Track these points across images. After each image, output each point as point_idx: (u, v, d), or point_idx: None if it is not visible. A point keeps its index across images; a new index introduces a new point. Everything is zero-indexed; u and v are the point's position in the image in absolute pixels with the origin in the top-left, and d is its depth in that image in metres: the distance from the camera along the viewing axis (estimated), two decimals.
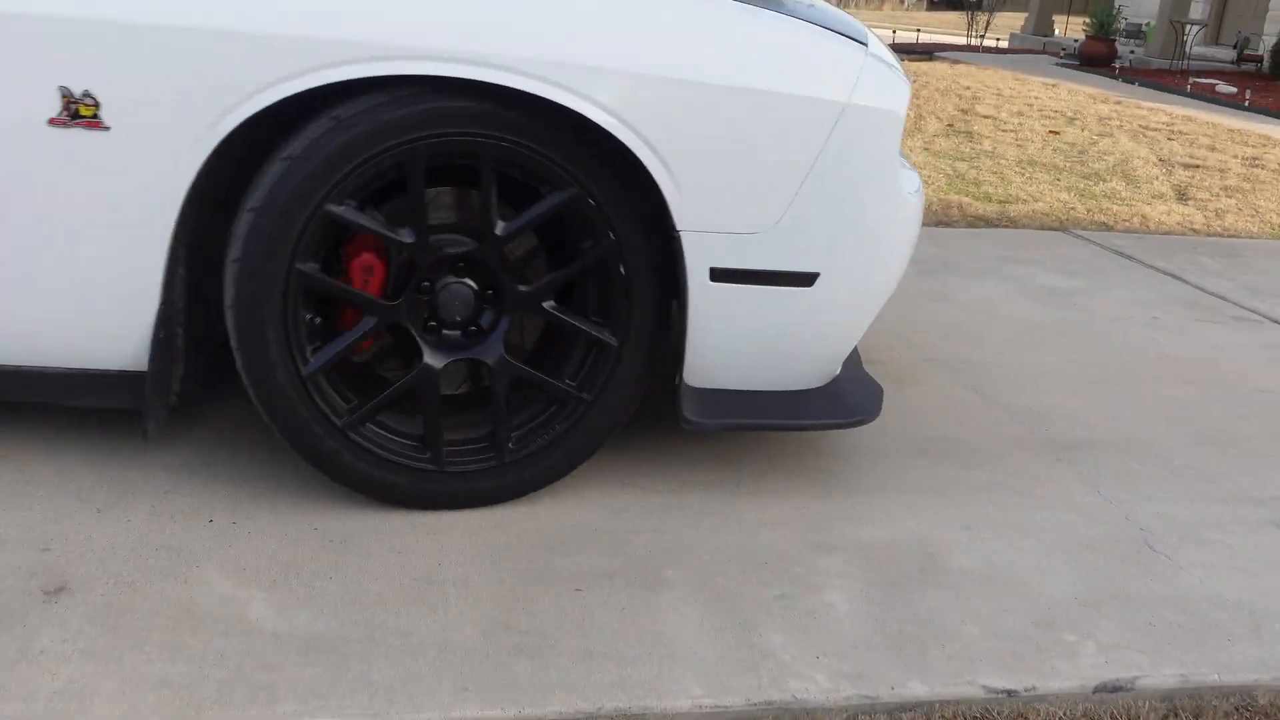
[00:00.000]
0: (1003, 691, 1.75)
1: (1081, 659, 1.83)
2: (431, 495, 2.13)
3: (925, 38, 19.20)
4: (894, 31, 19.07)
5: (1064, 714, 1.71)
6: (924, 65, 13.21)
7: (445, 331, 2.11)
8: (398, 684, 1.65)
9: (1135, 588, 2.06)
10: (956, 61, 13.60)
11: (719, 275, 2.09)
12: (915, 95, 9.59)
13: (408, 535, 2.05)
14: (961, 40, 18.43)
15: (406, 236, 2.03)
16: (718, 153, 2.02)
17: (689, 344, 2.13)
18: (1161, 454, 2.65)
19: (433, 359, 2.09)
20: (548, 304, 2.12)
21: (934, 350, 3.25)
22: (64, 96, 1.88)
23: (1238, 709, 1.76)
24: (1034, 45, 17.68)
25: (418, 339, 2.10)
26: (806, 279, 2.14)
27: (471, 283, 2.10)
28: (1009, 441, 2.65)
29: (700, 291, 2.08)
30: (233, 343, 2.01)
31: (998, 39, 18.30)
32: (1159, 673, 1.81)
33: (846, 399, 2.31)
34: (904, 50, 14.99)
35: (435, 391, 2.09)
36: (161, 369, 2.04)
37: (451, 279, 2.09)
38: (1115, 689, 1.78)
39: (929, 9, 46.05)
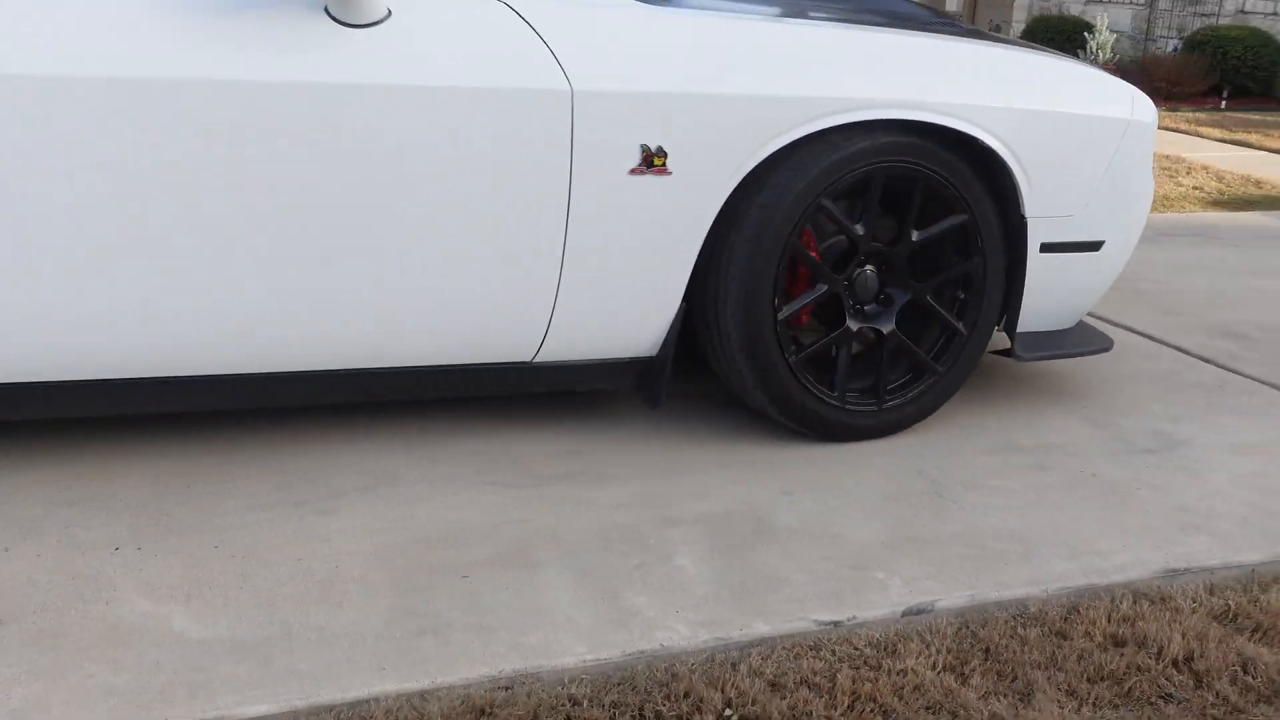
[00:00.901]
0: (830, 623, 2.11)
1: (890, 591, 2.22)
2: (837, 428, 2.86)
3: None
4: None
5: (879, 636, 2.08)
6: None
7: (858, 306, 2.86)
8: (321, 671, 1.90)
9: (929, 530, 2.46)
10: None
11: (1045, 248, 2.97)
12: None
13: (305, 545, 2.29)
14: None
15: (859, 230, 2.77)
16: (1055, 160, 2.90)
17: (1024, 301, 2.99)
18: (942, 413, 3.08)
19: (850, 323, 2.83)
20: (928, 296, 2.89)
21: None
22: (643, 151, 2.53)
23: (1015, 617, 2.16)
24: None
25: (845, 306, 2.83)
26: (1096, 246, 3.08)
27: (876, 271, 2.85)
28: None
29: (1033, 261, 2.96)
30: (732, 306, 2.68)
31: None
32: (951, 595, 2.21)
33: (1093, 332, 3.30)
34: None
35: (848, 347, 2.85)
36: (667, 354, 2.74)
37: (868, 268, 2.84)
38: (919, 611, 2.16)
39: None
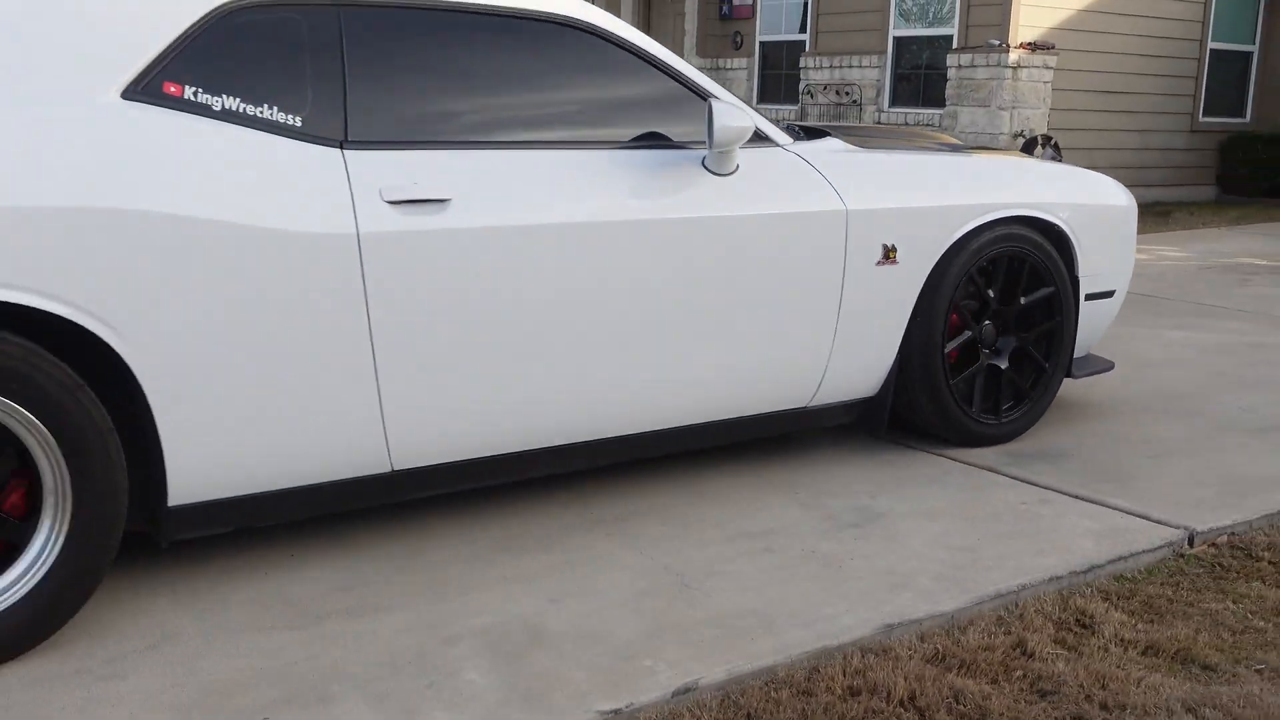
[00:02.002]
0: (610, 712, 2.36)
1: (658, 676, 2.49)
2: (975, 436, 4.02)
3: None
4: None
5: (655, 716, 2.34)
6: None
7: (986, 349, 4.03)
8: None
9: (682, 616, 2.76)
10: None
11: (1087, 298, 4.26)
12: None
13: (97, 710, 2.33)
14: None
15: (991, 294, 3.98)
16: (1094, 236, 4.20)
17: (1077, 338, 4.30)
18: (677, 513, 3.41)
19: (984, 360, 4.01)
20: (1028, 344, 4.10)
21: None
22: (884, 248, 3.69)
23: (766, 684, 2.48)
24: None
25: (980, 348, 4.01)
26: (1110, 294, 4.39)
27: (993, 325, 4.04)
28: (566, 527, 3.30)
29: (1081, 309, 4.24)
30: (916, 348, 3.84)
31: None
32: (711, 673, 2.51)
33: (1100, 359, 4.60)
34: None
35: (983, 376, 4.05)
36: (887, 393, 3.87)
37: (988, 322, 4.02)
38: (685, 690, 2.44)
39: None
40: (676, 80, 3.45)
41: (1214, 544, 3.32)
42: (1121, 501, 3.56)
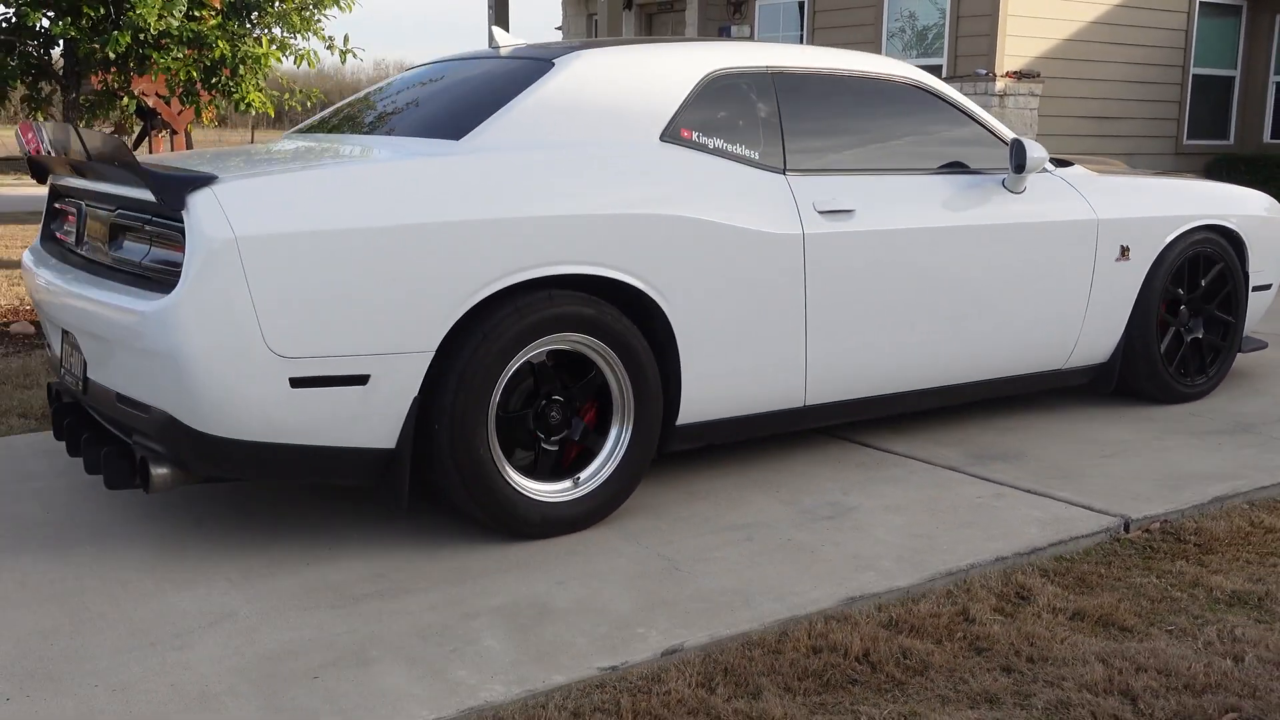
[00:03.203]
0: (609, 668, 2.78)
1: (650, 640, 2.91)
2: (1178, 395, 5.27)
3: None
4: None
5: (647, 671, 2.76)
6: None
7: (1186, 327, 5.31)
8: None
9: (672, 595, 3.18)
10: None
11: (1253, 289, 5.49)
12: None
13: (172, 673, 2.76)
14: None
15: (1201, 283, 5.33)
16: (1259, 239, 5.47)
17: (1245, 322, 5.49)
18: (670, 510, 3.83)
19: (1185, 335, 5.29)
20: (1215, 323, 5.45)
21: None
22: (1121, 248, 4.89)
23: (742, 645, 2.89)
24: None
25: (1180, 326, 5.27)
26: (1268, 287, 5.64)
27: (1188, 310, 5.29)
28: (590, 529, 3.72)
29: (1248, 298, 5.45)
30: (1139, 323, 5.09)
31: None
32: (695, 637, 2.92)
33: (1256, 337, 5.88)
34: None
35: (1182, 347, 5.30)
36: (1115, 361, 5.09)
37: (1184, 307, 5.27)
38: (673, 651, 2.86)
39: None
40: (980, 124, 4.71)
41: (1147, 530, 3.73)
42: (1068, 495, 3.97)
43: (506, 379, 3.51)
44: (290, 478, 3.37)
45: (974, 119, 4.69)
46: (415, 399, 3.37)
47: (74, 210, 3.95)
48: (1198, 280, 5.26)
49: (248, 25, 6.94)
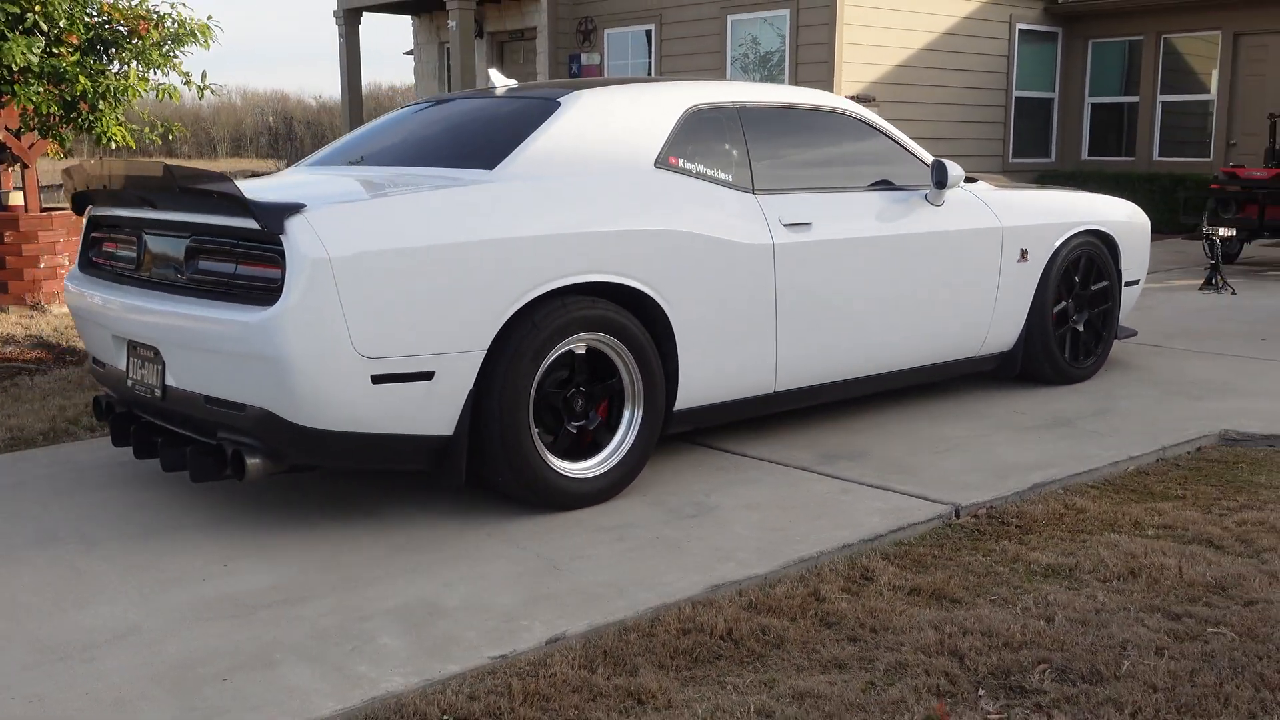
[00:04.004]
0: (499, 656, 3.04)
1: (534, 631, 3.19)
2: (1071, 376, 6.11)
3: None
4: None
5: (533, 659, 3.04)
6: None
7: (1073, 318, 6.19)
8: None
9: (551, 589, 3.46)
10: None
11: (1126, 284, 6.44)
12: None
13: (87, 683, 2.92)
14: None
15: (1076, 279, 6.15)
16: (1130, 242, 6.43)
17: (1120, 313, 6.47)
18: (545, 515, 4.11)
19: (1074, 325, 6.14)
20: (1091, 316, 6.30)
21: None
22: (1021, 250, 5.76)
23: (618, 631, 3.19)
24: None
25: (1070, 317, 6.11)
26: (1136, 282, 6.57)
27: (1073, 303, 6.18)
28: (454, 531, 3.97)
29: (1121, 292, 6.40)
30: (1036, 313, 5.96)
31: None
32: (575, 626, 3.21)
33: (1126, 327, 6.70)
34: None
35: (1072, 335, 6.17)
36: (1018, 349, 5.95)
37: (1066, 301, 6.12)
38: (556, 639, 3.14)
39: None
40: (904, 148, 5.48)
41: (975, 515, 4.16)
42: (907, 487, 4.39)
43: (541, 372, 4.07)
44: (364, 464, 3.93)
45: (898, 143, 5.46)
46: (470, 391, 3.93)
47: (129, 238, 4.39)
48: (1081, 277, 6.12)
49: (104, 61, 7.00)
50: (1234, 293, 9.43)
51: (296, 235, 3.63)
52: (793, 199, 4.88)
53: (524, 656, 3.06)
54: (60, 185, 26.78)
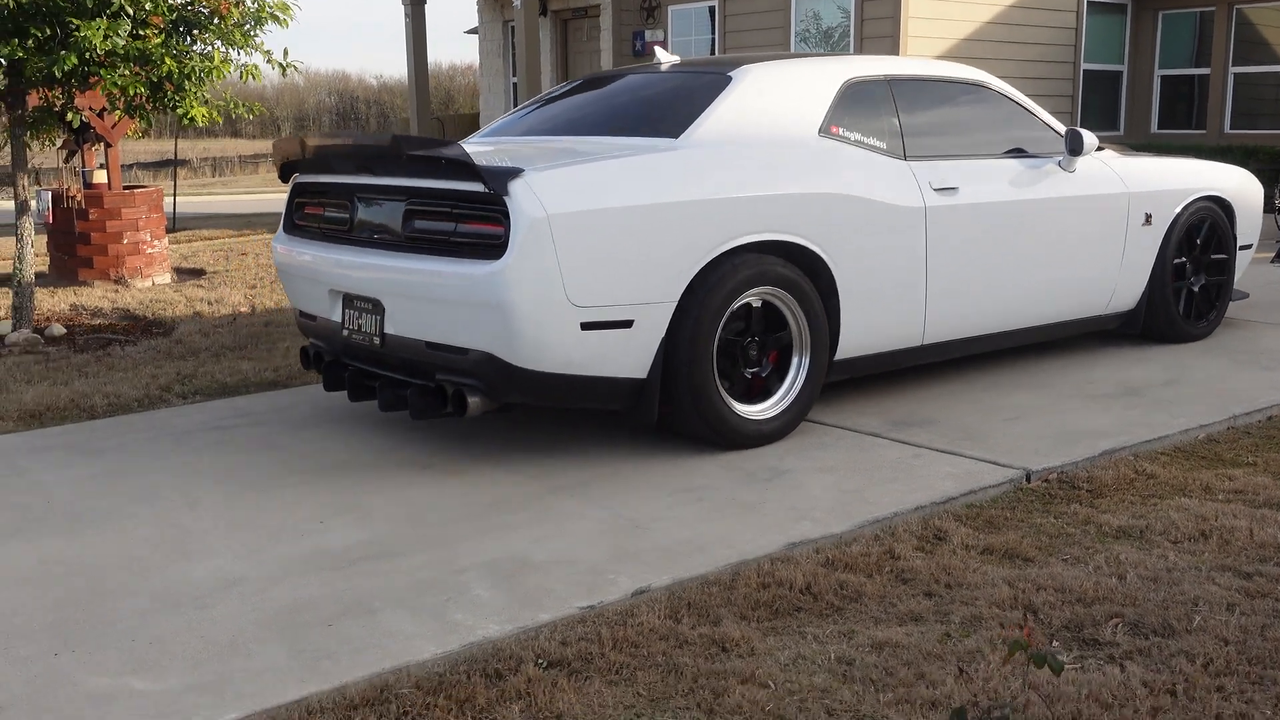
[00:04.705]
0: (587, 607, 3.19)
1: (620, 584, 3.32)
2: (1188, 335, 6.48)
3: None
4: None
5: (621, 609, 3.17)
6: None
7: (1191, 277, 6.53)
8: (262, 692, 2.77)
9: (635, 547, 3.60)
10: None
11: (1240, 248, 6.70)
12: None
13: (200, 628, 3.11)
14: None
15: (1197, 243, 6.51)
16: (1246, 206, 6.72)
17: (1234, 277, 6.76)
18: (624, 477, 4.25)
19: (1193, 283, 6.50)
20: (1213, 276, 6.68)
21: None
22: (1145, 215, 6.11)
23: (701, 585, 3.32)
24: None
25: (1186, 276, 6.49)
26: (1249, 247, 6.84)
27: (1192, 265, 6.53)
28: (537, 492, 4.12)
29: (1237, 255, 6.74)
30: (1159, 274, 6.32)
31: None
32: (659, 580, 3.35)
33: (1239, 290, 6.95)
34: None
35: (1189, 292, 6.52)
36: (1141, 305, 6.29)
37: (1184, 261, 6.48)
38: (641, 592, 3.28)
39: None
40: (1037, 117, 5.82)
41: (1046, 479, 4.23)
42: (977, 452, 4.47)
43: (723, 322, 4.45)
44: (567, 402, 4.34)
45: (1032, 113, 5.82)
46: (663, 339, 4.33)
47: (340, 202, 4.82)
48: (1200, 241, 6.44)
49: (188, 42, 7.20)
50: None
51: (519, 196, 4.01)
52: (941, 165, 5.22)
53: (611, 607, 3.20)
54: (133, 165, 27.32)
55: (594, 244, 4.13)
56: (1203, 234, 6.44)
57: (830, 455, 4.50)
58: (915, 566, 3.43)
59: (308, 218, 5.11)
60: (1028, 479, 4.22)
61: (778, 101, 4.90)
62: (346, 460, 4.57)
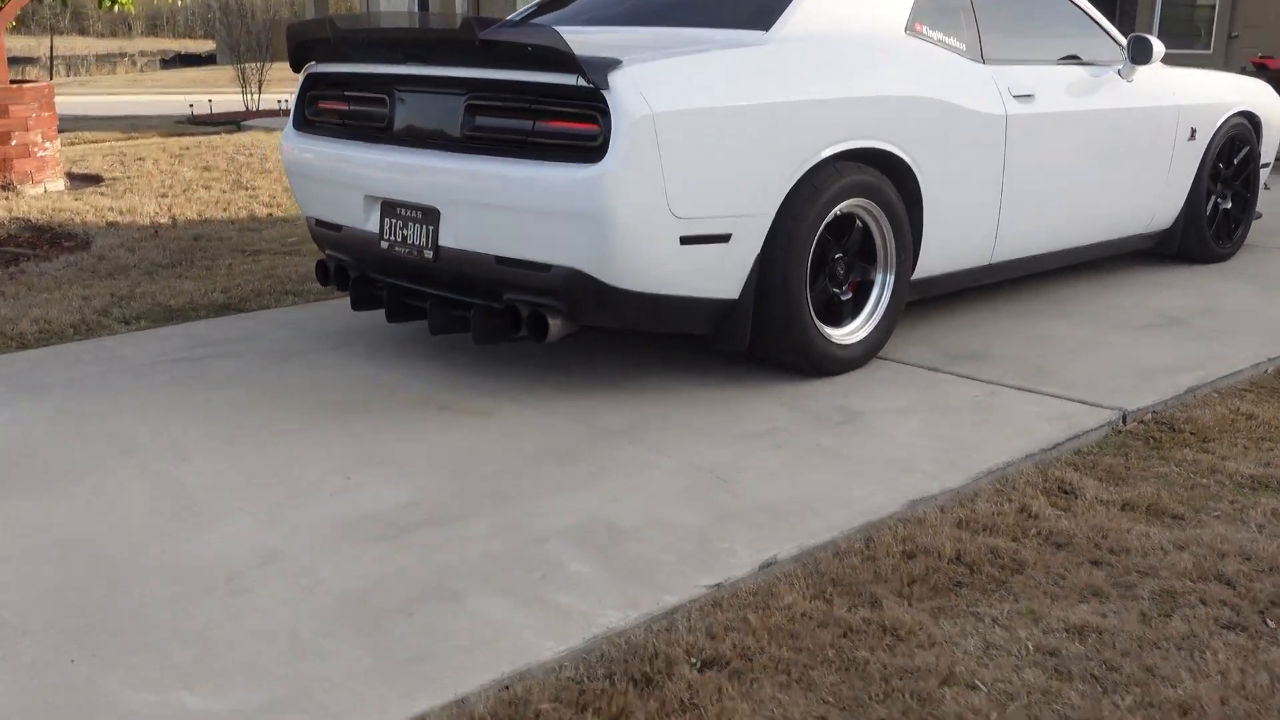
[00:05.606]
0: (714, 585, 2.69)
1: (739, 555, 2.83)
2: (1215, 256, 6.20)
3: (216, 104, 18.86)
4: (191, 106, 18.33)
5: (753, 586, 2.69)
6: (244, 137, 13.62)
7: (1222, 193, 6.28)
8: (352, 706, 2.21)
9: (734, 506, 3.10)
10: (272, 129, 14.18)
11: (1263, 166, 6.40)
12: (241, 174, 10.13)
13: (258, 619, 2.53)
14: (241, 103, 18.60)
15: (1226, 162, 6.24)
16: (1273, 123, 6.51)
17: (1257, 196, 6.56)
18: (679, 420, 3.74)
19: (1220, 200, 6.25)
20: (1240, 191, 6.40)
21: None
22: (1191, 130, 5.77)
23: (834, 555, 2.85)
24: None
25: (1215, 191, 6.20)
26: (1269, 165, 6.44)
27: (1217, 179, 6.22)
28: (586, 439, 3.59)
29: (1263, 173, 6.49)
30: (1193, 197, 6.02)
31: (281, 100, 18.61)
32: (784, 549, 2.86)
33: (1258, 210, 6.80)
34: (207, 122, 15.10)
35: (1217, 209, 6.24)
36: (1179, 224, 6.00)
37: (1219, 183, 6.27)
38: (769, 564, 2.80)
39: (163, 68, 45.28)
40: (1095, 21, 5.46)
41: (1142, 421, 3.86)
42: (1054, 390, 4.07)
43: (818, 237, 4.02)
44: (654, 326, 3.88)
45: (1090, 17, 5.51)
46: (758, 255, 3.88)
47: (375, 95, 4.19)
48: (1233, 159, 6.21)
49: None
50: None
51: (621, 90, 3.50)
52: (1016, 71, 4.86)
53: (742, 585, 2.70)
54: (22, 59, 25.09)
55: (698, 147, 3.65)
56: (1236, 151, 6.21)
57: (898, 393, 4.05)
58: (1063, 528, 3.01)
59: (325, 113, 4.46)
60: (1124, 420, 3.84)
61: None
62: (348, 399, 3.95)
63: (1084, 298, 5.47)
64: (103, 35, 51.57)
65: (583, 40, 3.82)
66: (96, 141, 12.42)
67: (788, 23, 4.13)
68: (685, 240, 3.69)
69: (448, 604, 2.60)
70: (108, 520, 3.02)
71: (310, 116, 4.56)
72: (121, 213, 7.66)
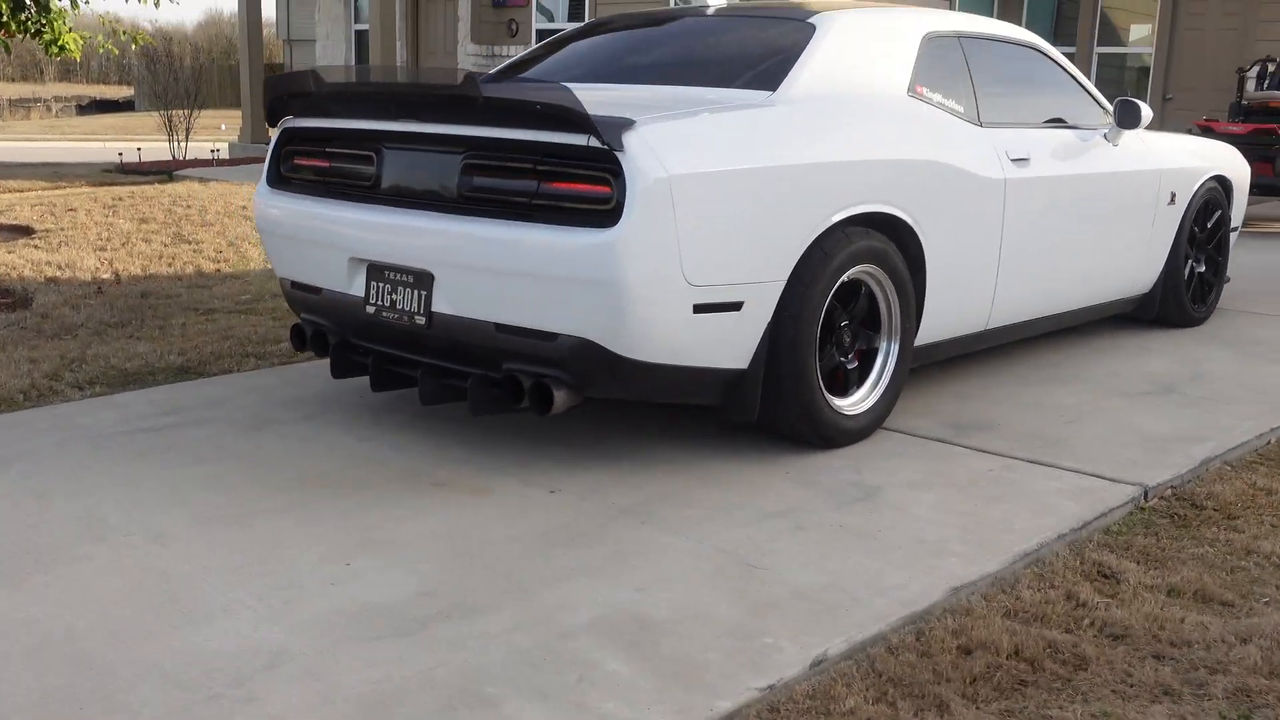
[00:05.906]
0: (767, 688, 2.49)
1: (786, 652, 2.64)
2: (1195, 320, 6.20)
3: (146, 154, 18.26)
4: (120, 155, 17.63)
5: (808, 688, 2.49)
6: (178, 188, 13.22)
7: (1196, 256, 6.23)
8: None
9: (766, 596, 2.91)
10: (207, 180, 13.77)
11: (1232, 230, 6.43)
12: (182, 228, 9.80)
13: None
14: (169, 153, 18.07)
15: (1205, 224, 6.27)
16: (1237, 183, 6.42)
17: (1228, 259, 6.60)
18: (691, 498, 3.55)
19: (1194, 263, 6.18)
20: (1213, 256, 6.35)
21: None
22: (1171, 194, 5.73)
23: (887, 651, 2.67)
24: (258, 154, 16.50)
25: (1190, 256, 6.15)
26: (1237, 229, 6.53)
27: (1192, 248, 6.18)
28: (597, 518, 3.38)
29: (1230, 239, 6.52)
30: (1175, 252, 5.96)
31: (214, 149, 18.10)
32: (833, 644, 2.68)
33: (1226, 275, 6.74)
34: (137, 171, 14.65)
35: (1193, 276, 6.22)
36: (1158, 289, 5.92)
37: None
38: (819, 662, 2.61)
39: (79, 113, 44.37)
40: (1080, 84, 5.41)
41: (1163, 497, 3.75)
42: (1068, 463, 3.95)
43: (826, 303, 3.88)
44: (661, 397, 3.72)
45: (1076, 80, 5.44)
46: (769, 324, 3.73)
47: (360, 152, 3.96)
48: (1205, 223, 6.20)
49: None
50: None
51: (636, 152, 3.34)
52: (1011, 134, 4.78)
53: (798, 687, 2.51)
54: None
55: (713, 211, 3.50)
56: (1210, 215, 6.22)
57: (908, 466, 3.90)
58: (1116, 618, 2.87)
59: (303, 170, 4.22)
60: (1145, 496, 3.73)
61: (864, 55, 4.30)
62: (332, 474, 3.71)
63: (1074, 362, 5.39)
64: (14, 80, 50.44)
65: (586, 98, 3.67)
66: (22, 190, 11.97)
67: (795, 83, 4.02)
68: (699, 309, 3.54)
69: (483, 711, 2.37)
70: (88, 616, 2.74)
71: (286, 173, 4.33)
72: (60, 267, 7.31)
